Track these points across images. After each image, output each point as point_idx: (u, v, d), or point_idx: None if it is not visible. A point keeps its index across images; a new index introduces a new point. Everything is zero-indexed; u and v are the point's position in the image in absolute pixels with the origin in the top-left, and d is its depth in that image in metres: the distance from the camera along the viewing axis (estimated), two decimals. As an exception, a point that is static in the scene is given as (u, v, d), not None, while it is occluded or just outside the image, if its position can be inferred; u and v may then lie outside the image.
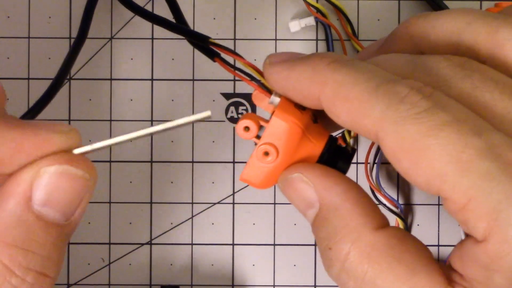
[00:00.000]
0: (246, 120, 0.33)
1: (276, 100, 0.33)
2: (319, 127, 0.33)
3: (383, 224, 0.31)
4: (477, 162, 0.27)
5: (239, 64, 0.34)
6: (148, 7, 0.47)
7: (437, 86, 0.29)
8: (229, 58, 0.34)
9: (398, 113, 0.28)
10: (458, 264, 0.29)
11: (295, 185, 0.32)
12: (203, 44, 0.35)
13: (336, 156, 0.33)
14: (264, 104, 0.33)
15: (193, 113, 0.47)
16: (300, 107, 0.32)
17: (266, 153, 0.32)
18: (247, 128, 0.33)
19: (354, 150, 0.34)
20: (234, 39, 0.47)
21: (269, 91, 0.33)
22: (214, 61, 0.35)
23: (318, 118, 0.33)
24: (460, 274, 0.29)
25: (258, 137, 0.33)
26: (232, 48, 0.47)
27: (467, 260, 0.29)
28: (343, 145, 0.33)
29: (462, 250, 0.29)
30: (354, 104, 0.29)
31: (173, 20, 0.41)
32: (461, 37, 0.32)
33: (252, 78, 0.33)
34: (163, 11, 0.41)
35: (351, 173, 0.47)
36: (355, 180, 0.47)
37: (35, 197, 0.29)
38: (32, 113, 0.42)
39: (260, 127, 0.33)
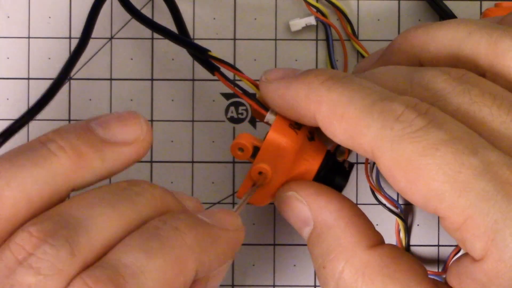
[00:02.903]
0: (239, 142, 0.33)
1: (272, 118, 0.32)
2: (316, 144, 0.33)
3: (377, 241, 0.31)
4: (473, 182, 0.27)
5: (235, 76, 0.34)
6: (148, 7, 0.47)
7: (434, 101, 0.29)
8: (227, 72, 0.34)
9: (394, 132, 0.28)
10: (455, 282, 0.29)
11: (290, 204, 0.32)
12: (202, 57, 0.35)
13: (334, 172, 0.33)
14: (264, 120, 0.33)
15: (193, 113, 0.47)
16: (296, 125, 0.32)
17: (261, 173, 0.32)
18: (241, 149, 0.33)
19: (351, 166, 0.34)
20: (234, 39, 0.47)
21: (266, 108, 0.33)
22: (214, 75, 0.34)
23: (316, 133, 0.33)
24: None
25: (253, 156, 0.33)
26: (232, 48, 0.47)
27: (465, 278, 0.29)
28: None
29: (459, 267, 0.29)
30: (350, 123, 0.29)
31: (174, 28, 0.41)
32: (461, 48, 0.31)
33: (251, 94, 0.33)
34: (163, 13, 0.41)
35: (351, 173, 0.47)
36: (355, 180, 0.47)
37: None
38: (31, 113, 0.42)
39: (255, 147, 0.33)
